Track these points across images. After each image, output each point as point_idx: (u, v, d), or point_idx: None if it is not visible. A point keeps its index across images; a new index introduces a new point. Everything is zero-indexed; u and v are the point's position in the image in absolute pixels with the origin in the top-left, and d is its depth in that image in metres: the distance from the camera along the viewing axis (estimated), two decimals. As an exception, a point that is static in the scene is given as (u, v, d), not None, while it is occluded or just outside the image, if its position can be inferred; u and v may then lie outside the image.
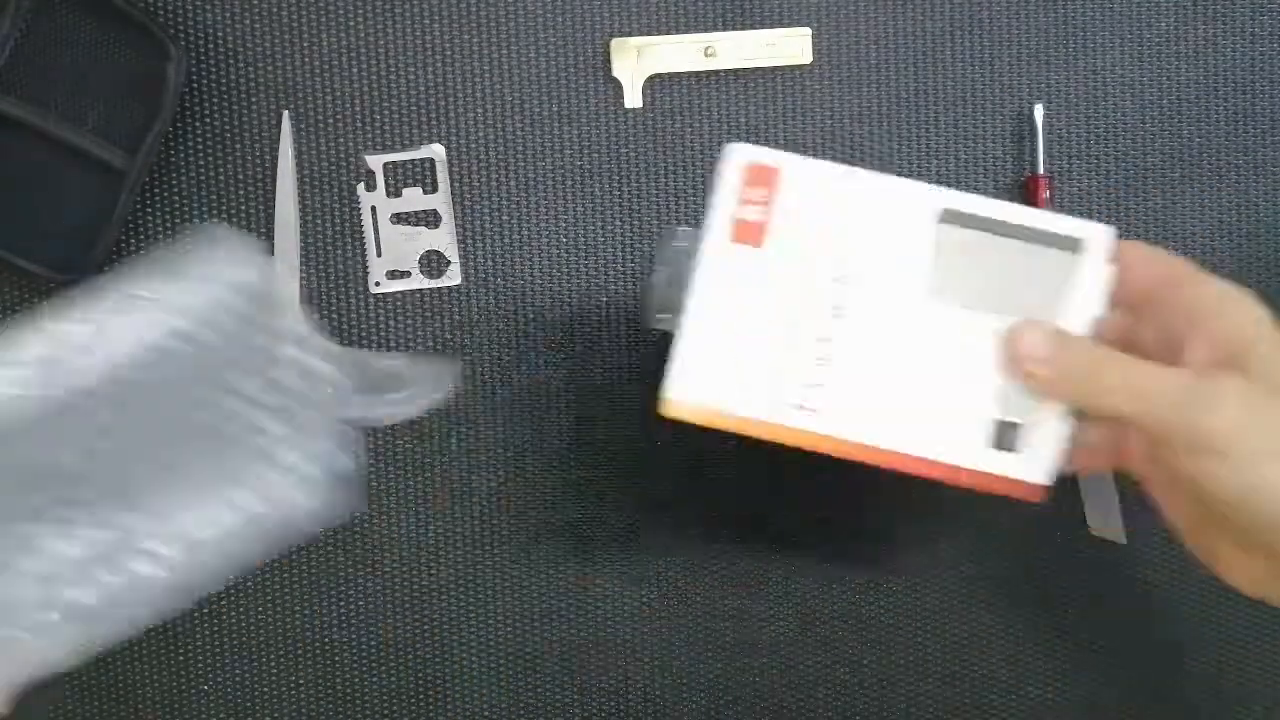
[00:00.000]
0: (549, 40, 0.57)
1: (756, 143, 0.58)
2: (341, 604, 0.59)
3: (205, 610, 0.58)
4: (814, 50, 0.57)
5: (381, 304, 0.58)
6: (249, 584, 0.58)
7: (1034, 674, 0.60)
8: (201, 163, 0.57)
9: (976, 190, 0.58)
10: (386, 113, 0.57)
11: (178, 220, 0.57)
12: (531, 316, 0.58)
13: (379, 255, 0.57)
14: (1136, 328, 0.46)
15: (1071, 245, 0.44)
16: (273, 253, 0.57)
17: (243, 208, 0.57)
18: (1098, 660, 0.60)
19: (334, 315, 0.58)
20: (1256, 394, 0.41)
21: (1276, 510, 0.41)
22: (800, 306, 0.43)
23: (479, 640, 0.59)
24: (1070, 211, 0.58)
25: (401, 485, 0.58)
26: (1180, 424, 0.41)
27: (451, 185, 0.58)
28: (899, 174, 0.58)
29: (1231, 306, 0.44)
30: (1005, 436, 0.44)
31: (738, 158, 0.44)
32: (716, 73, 0.58)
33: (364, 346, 0.58)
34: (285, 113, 0.57)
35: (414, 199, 0.57)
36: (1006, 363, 0.44)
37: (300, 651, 0.59)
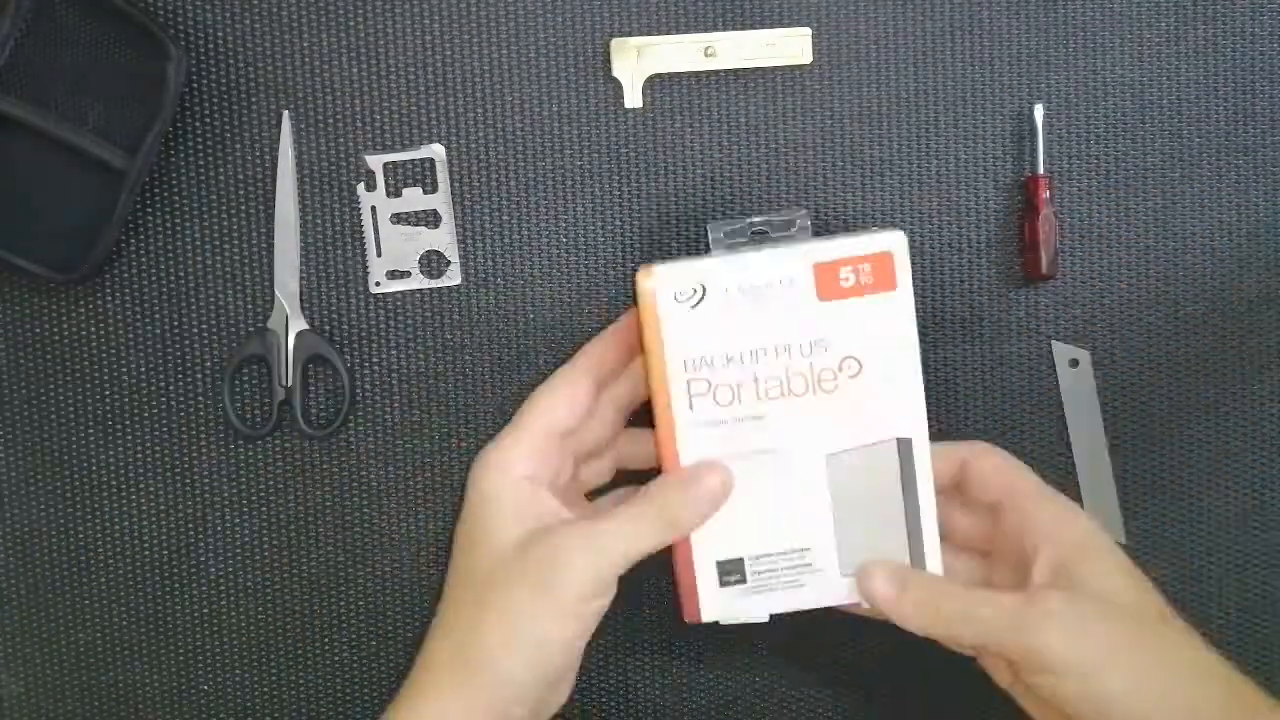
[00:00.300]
0: (549, 40, 0.57)
1: (756, 144, 0.58)
2: (341, 604, 0.59)
3: (205, 610, 0.58)
4: (814, 50, 0.57)
5: (381, 304, 0.58)
6: (249, 584, 0.58)
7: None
8: (201, 163, 0.57)
9: (976, 191, 0.58)
10: (386, 113, 0.57)
11: (178, 220, 0.57)
12: (531, 316, 0.58)
13: (379, 255, 0.57)
14: (995, 533, 0.50)
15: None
16: (272, 253, 0.57)
17: (243, 208, 0.57)
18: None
19: (334, 315, 0.58)
20: (1081, 610, 0.44)
21: (1093, 713, 0.44)
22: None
23: (479, 640, 0.59)
24: (1071, 212, 0.58)
25: (402, 485, 0.58)
26: (1017, 648, 0.44)
27: (451, 185, 0.57)
28: (900, 176, 0.58)
29: (1063, 528, 0.47)
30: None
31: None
32: (716, 73, 0.57)
33: (363, 346, 0.58)
34: (285, 113, 0.57)
35: (414, 199, 0.57)
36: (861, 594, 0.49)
37: (300, 651, 0.59)
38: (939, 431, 0.58)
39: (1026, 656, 0.44)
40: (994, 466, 0.50)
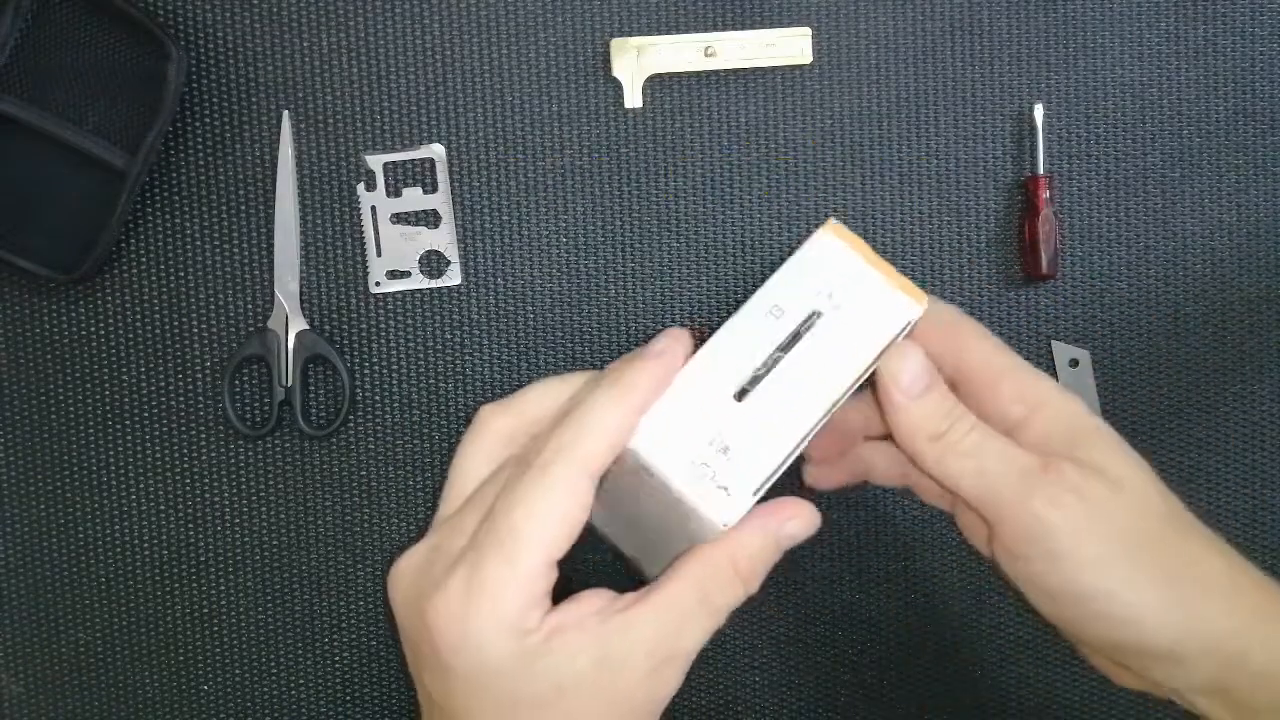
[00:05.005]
0: (549, 40, 0.57)
1: (756, 144, 0.58)
2: (341, 604, 0.59)
3: (205, 610, 0.58)
4: (814, 50, 0.57)
5: (381, 304, 0.58)
6: (249, 584, 0.58)
7: (1035, 675, 0.60)
8: (201, 163, 0.57)
9: (976, 191, 0.58)
10: (386, 113, 0.57)
11: (178, 220, 0.57)
12: (531, 316, 0.58)
13: (379, 255, 0.57)
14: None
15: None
16: (272, 253, 0.57)
17: (243, 208, 0.57)
18: (1097, 660, 0.60)
19: (334, 315, 0.58)
20: (1099, 493, 0.38)
21: (1097, 619, 0.39)
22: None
23: (479, 640, 0.59)
24: (1071, 212, 0.59)
25: (401, 485, 0.58)
26: (1016, 515, 0.38)
27: (451, 185, 0.58)
28: (900, 176, 0.58)
29: (1051, 402, 0.41)
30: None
31: None
32: (716, 73, 0.58)
33: (364, 347, 0.58)
34: (285, 113, 0.57)
35: (414, 199, 0.57)
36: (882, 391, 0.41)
37: (300, 651, 0.59)
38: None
39: (1027, 528, 0.38)
40: (940, 334, 0.42)
